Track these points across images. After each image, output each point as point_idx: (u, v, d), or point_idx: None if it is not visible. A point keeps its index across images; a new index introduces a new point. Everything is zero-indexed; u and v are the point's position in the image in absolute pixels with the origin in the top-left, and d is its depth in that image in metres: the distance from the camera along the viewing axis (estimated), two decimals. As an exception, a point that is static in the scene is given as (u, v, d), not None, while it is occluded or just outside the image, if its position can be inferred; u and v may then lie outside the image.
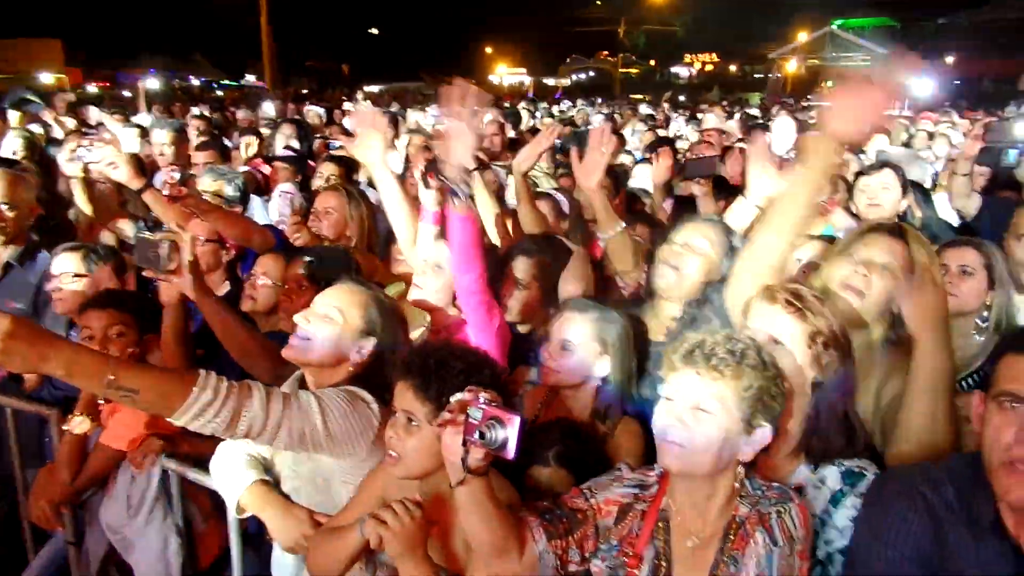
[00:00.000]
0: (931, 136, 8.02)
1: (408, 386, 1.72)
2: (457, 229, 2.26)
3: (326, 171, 4.42)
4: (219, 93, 28.09)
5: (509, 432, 1.38)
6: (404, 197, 2.83)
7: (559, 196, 3.60)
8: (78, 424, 2.45)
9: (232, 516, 2.20)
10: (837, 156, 1.94)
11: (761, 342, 1.68)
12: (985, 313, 2.45)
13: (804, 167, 1.94)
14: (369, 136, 2.80)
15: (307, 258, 2.74)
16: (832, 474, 1.71)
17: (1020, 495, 1.30)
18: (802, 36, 32.21)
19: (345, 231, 3.57)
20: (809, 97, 23.53)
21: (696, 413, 1.52)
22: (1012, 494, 1.31)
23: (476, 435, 1.39)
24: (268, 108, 10.43)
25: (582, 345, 2.15)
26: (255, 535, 2.39)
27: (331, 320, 2.03)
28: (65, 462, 2.51)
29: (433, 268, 2.51)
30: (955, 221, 4.33)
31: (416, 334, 2.70)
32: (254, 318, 2.93)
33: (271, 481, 2.13)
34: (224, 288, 3.30)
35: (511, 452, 1.39)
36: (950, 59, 26.46)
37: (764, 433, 1.56)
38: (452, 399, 1.49)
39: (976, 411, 1.43)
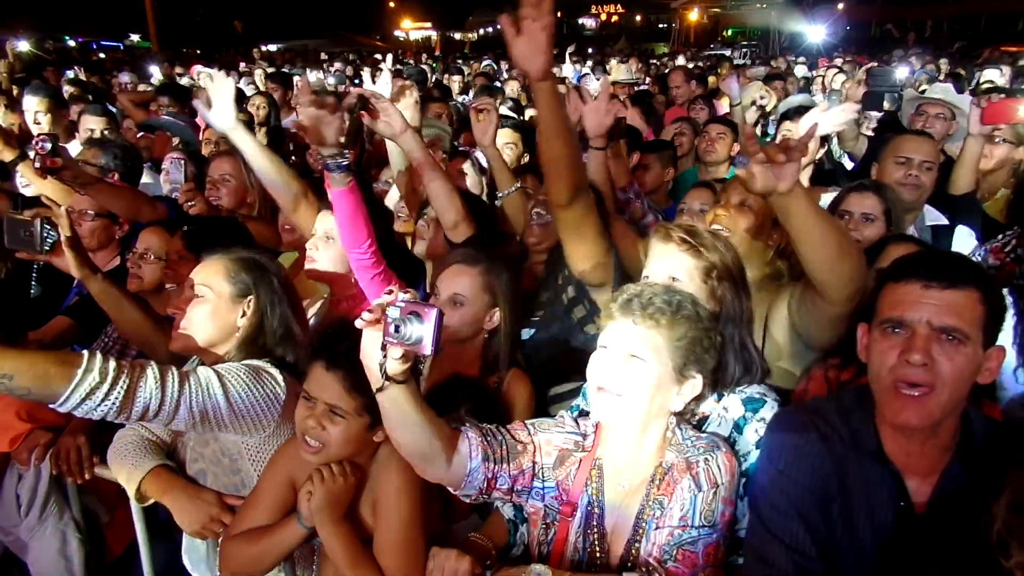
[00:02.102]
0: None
1: (334, 378, 1.66)
2: (337, 204, 2.24)
3: (214, 136, 4.16)
4: (100, 55, 25.96)
5: (425, 327, 1.33)
6: (271, 161, 2.64)
7: (476, 154, 3.57)
8: None
9: (135, 506, 2.09)
10: None
11: (661, 281, 1.75)
12: None
13: None
14: (221, 102, 2.57)
15: (185, 228, 2.60)
16: (734, 402, 1.79)
17: (906, 417, 1.38)
18: (703, -15, 32.71)
19: (246, 198, 3.39)
20: (712, 45, 24.02)
21: (630, 360, 1.55)
22: (900, 416, 1.39)
23: (392, 329, 1.34)
24: (154, 71, 9.72)
25: (473, 298, 2.13)
26: (165, 522, 2.29)
27: (202, 298, 1.97)
28: None
29: (324, 239, 2.48)
30: (848, 164, 4.54)
31: (315, 308, 2.63)
32: (146, 298, 2.76)
33: (173, 466, 2.05)
34: (113, 264, 3.10)
35: (427, 347, 1.34)
36: (841, 5, 27.45)
37: (695, 384, 1.60)
38: (373, 303, 1.42)
39: (861, 342, 1.50)
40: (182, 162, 3.60)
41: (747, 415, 1.78)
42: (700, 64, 12.61)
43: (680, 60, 6.41)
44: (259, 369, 1.89)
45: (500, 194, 2.92)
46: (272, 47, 26.68)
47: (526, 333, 2.36)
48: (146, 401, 1.66)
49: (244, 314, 1.98)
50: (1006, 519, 1.15)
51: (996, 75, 7.99)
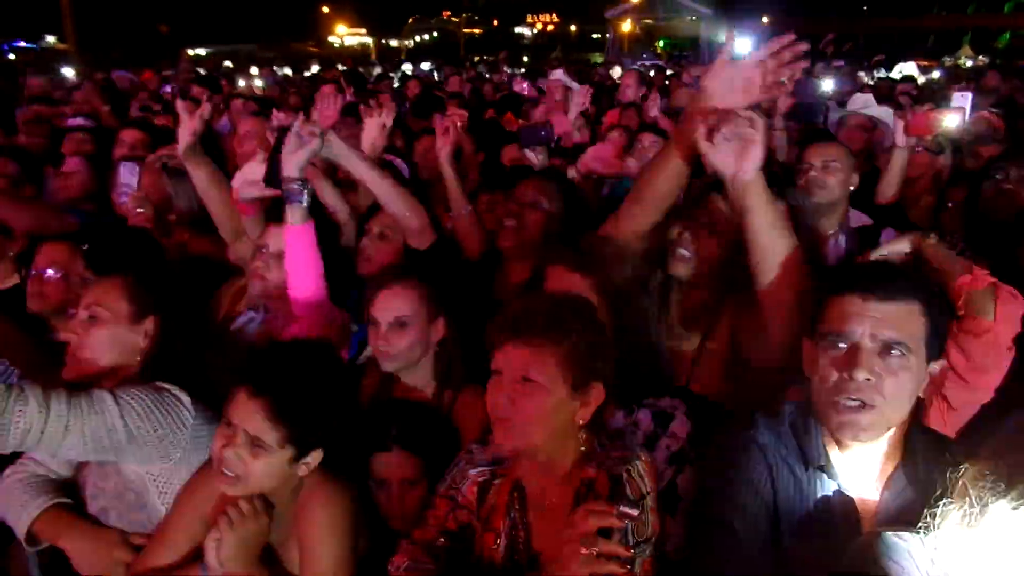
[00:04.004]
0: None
1: (259, 405, 1.52)
2: (290, 241, 2.18)
3: (128, 138, 3.89)
4: (11, 57, 24.61)
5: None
6: (220, 183, 2.62)
7: (399, 162, 3.50)
8: None
9: (28, 550, 1.89)
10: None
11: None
12: None
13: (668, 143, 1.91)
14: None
15: (84, 246, 2.40)
16: (645, 416, 1.76)
17: (850, 432, 1.36)
18: (634, -2, 33.44)
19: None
20: (644, 55, 24.52)
21: (523, 384, 1.46)
22: (843, 431, 1.37)
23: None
24: (67, 72, 9.19)
25: (415, 315, 2.01)
26: (67, 566, 2.08)
27: (97, 321, 1.81)
28: None
29: (274, 257, 2.34)
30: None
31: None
32: (50, 320, 2.52)
33: (70, 503, 1.86)
34: (9, 283, 2.84)
35: None
36: (765, 19, 28.47)
37: (597, 392, 1.53)
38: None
39: (807, 356, 1.47)
40: (136, 167, 3.34)
41: (658, 431, 1.76)
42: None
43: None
44: (161, 389, 1.75)
45: (452, 215, 2.83)
46: (201, 52, 25.85)
47: None
48: (26, 427, 1.50)
49: (146, 334, 1.83)
50: (953, 536, 1.12)
51: (912, 68, 8.36)
